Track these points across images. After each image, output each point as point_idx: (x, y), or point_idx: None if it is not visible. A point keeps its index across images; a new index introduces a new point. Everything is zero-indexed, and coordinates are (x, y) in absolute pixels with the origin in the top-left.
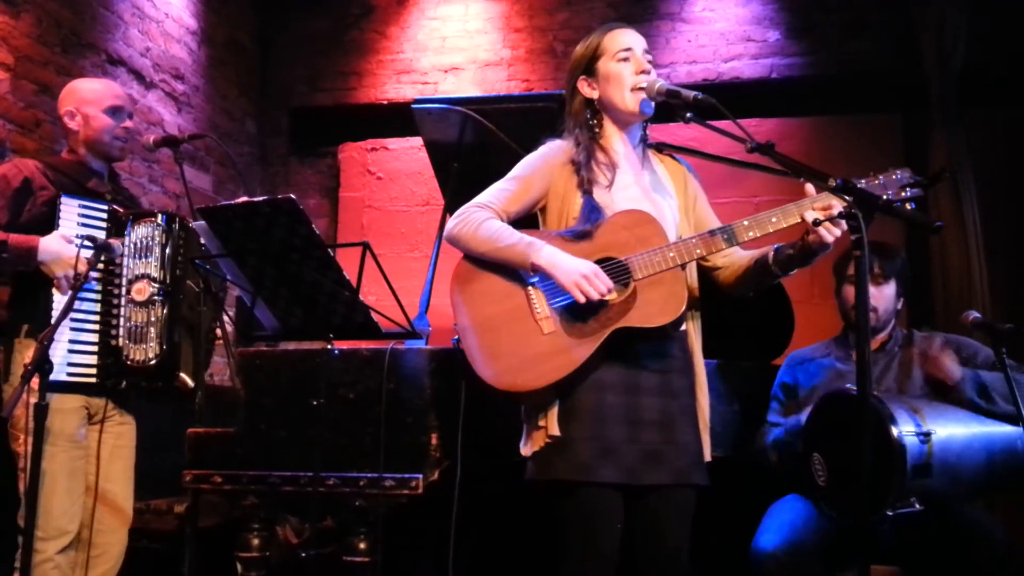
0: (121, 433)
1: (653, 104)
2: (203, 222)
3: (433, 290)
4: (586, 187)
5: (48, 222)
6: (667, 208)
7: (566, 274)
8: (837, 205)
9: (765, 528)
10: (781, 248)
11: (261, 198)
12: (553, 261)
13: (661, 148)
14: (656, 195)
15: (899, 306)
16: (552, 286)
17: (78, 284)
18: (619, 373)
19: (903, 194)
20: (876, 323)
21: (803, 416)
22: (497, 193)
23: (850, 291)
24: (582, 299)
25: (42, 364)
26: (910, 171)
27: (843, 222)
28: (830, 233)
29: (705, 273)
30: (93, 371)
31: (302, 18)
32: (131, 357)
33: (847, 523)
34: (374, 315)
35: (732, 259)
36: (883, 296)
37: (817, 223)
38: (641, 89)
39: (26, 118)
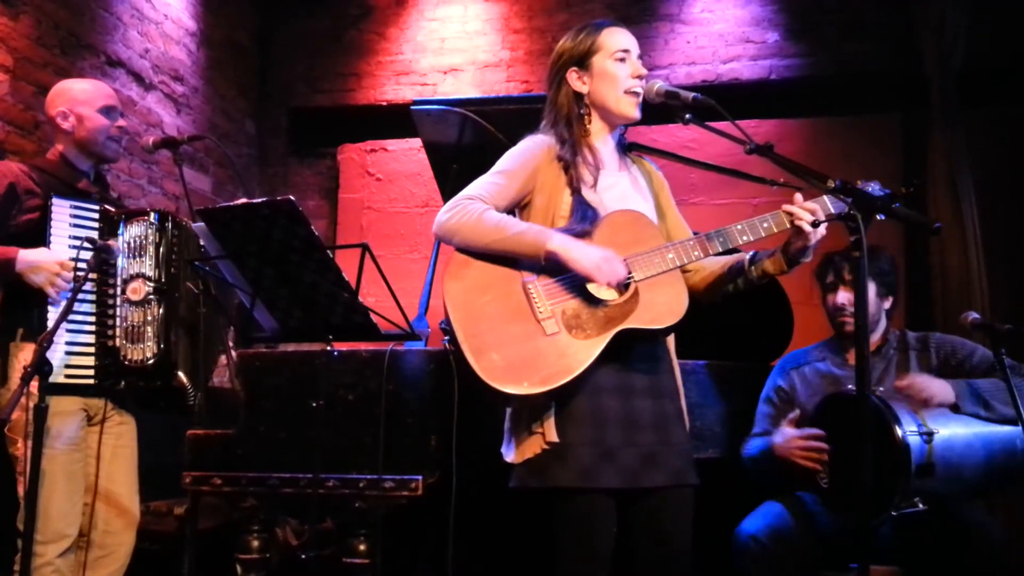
0: (121, 433)
1: (642, 106)
2: (202, 224)
3: (432, 291)
4: (576, 186)
5: (38, 227)
6: (647, 209)
7: (587, 260)
8: (820, 209)
9: (752, 514)
10: (757, 255)
11: (260, 199)
12: (570, 248)
13: (632, 148)
14: (638, 195)
15: (886, 306)
16: (554, 284)
17: (78, 286)
18: (614, 376)
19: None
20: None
21: (776, 437)
22: (487, 186)
23: (830, 297)
24: (604, 283)
25: (41, 366)
26: (879, 184)
27: (824, 226)
28: (813, 237)
29: None
30: (91, 372)
31: (301, 19)
32: (128, 357)
33: (852, 524)
34: (373, 316)
35: (701, 264)
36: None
37: (816, 224)
38: (635, 93)
39: (25, 120)
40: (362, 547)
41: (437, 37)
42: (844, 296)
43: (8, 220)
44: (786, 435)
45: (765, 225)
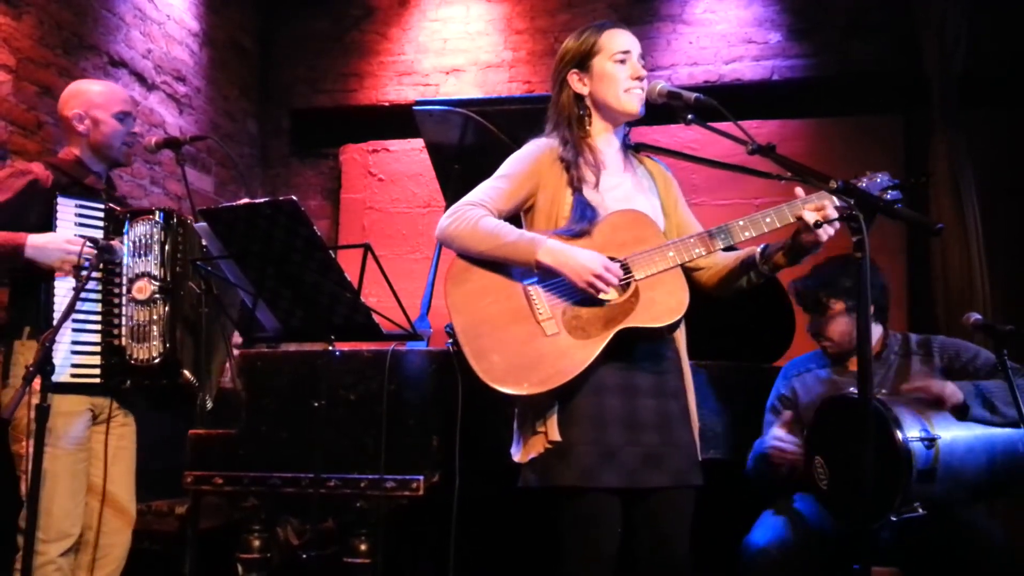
0: (123, 435)
1: (645, 105)
2: (205, 224)
3: (434, 292)
4: (577, 185)
5: (46, 228)
6: (652, 209)
7: (576, 270)
8: (831, 206)
9: (759, 524)
10: (768, 248)
11: (262, 199)
12: (560, 257)
13: (639, 149)
14: (642, 196)
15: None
16: (554, 285)
17: (80, 285)
18: (617, 375)
19: (884, 197)
20: (840, 350)
21: (766, 438)
22: (489, 191)
23: (813, 324)
24: (594, 294)
25: (44, 365)
26: (888, 174)
27: (836, 223)
28: (825, 233)
29: (686, 274)
30: (97, 371)
31: (303, 20)
32: (135, 356)
33: (849, 528)
34: (375, 316)
35: (714, 260)
36: (836, 324)
37: (818, 225)
38: (635, 92)
39: (28, 120)
40: (363, 547)
41: (439, 37)
42: (812, 325)
43: (24, 216)
44: (772, 433)
45: (767, 220)
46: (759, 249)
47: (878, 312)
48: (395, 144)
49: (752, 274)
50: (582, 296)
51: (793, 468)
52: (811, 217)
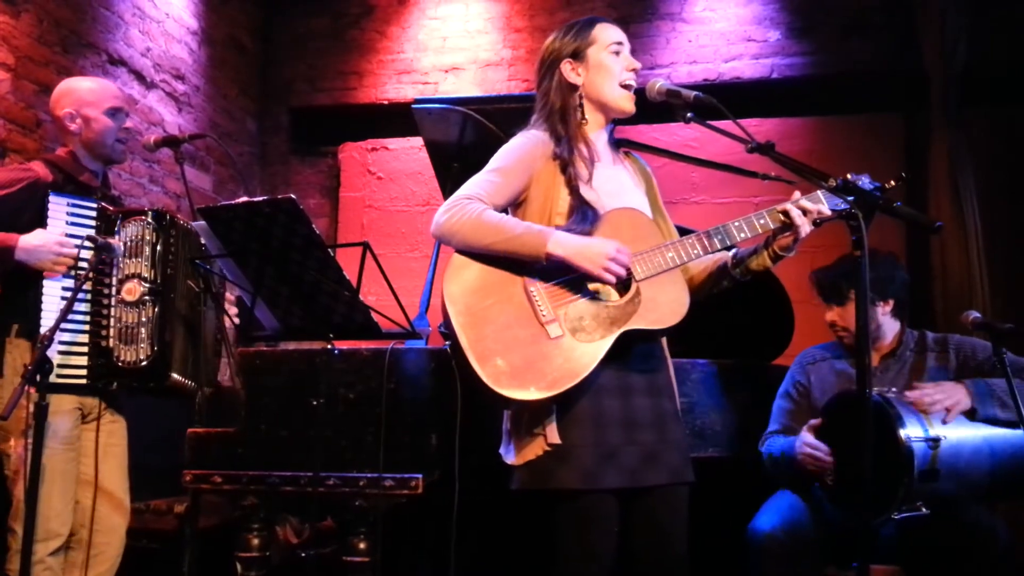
0: (112, 432)
1: (642, 103)
2: (203, 222)
3: (433, 290)
4: (574, 183)
5: (39, 226)
6: (643, 206)
7: (589, 258)
8: (824, 208)
9: (763, 511)
10: (739, 254)
11: (261, 198)
12: (571, 248)
13: (620, 145)
14: (635, 191)
15: (885, 310)
16: (557, 285)
17: (78, 284)
18: (613, 376)
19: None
20: (852, 340)
21: (795, 441)
22: (484, 184)
23: (831, 314)
24: (611, 280)
25: (42, 365)
26: (868, 176)
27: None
28: (804, 230)
29: None
30: (83, 372)
31: (302, 18)
32: (122, 358)
33: (852, 523)
34: (374, 315)
35: (687, 265)
36: (847, 315)
37: (818, 223)
38: (628, 86)
39: (27, 118)
40: (362, 545)
41: (438, 36)
42: (830, 315)
43: (19, 215)
44: (803, 440)
45: (761, 222)
46: (730, 255)
47: (897, 308)
48: (394, 142)
49: (725, 281)
50: (585, 296)
51: (821, 474)
52: (806, 226)
